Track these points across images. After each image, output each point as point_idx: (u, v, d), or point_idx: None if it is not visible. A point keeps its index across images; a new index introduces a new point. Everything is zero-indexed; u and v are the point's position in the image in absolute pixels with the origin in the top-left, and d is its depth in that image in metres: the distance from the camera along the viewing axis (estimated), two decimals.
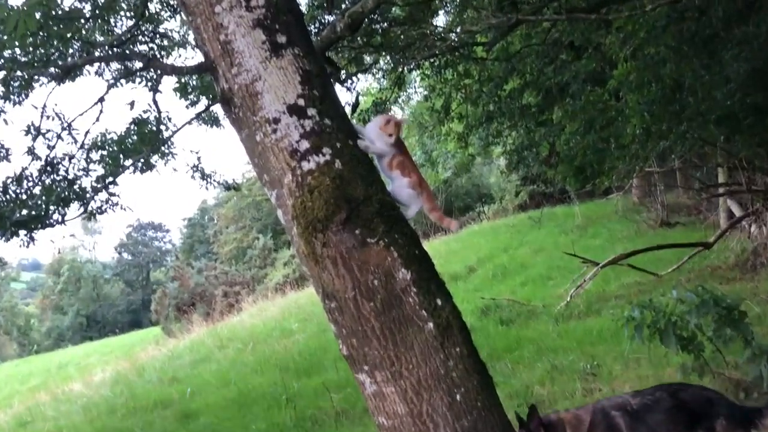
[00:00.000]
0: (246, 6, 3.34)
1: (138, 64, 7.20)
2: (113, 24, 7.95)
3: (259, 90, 3.30)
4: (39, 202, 6.84)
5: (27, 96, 6.94)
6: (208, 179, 8.76)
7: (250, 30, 3.33)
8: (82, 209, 7.18)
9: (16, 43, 5.04)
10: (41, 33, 5.51)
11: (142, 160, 7.58)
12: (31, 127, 6.93)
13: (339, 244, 3.15)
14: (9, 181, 6.92)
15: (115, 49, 6.72)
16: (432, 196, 3.67)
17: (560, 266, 13.89)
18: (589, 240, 16.73)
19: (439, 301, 3.29)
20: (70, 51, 6.78)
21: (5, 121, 6.90)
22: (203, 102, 8.79)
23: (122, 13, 7.88)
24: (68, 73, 6.48)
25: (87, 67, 7.84)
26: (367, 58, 10.85)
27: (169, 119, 8.12)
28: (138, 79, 7.88)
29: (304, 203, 3.19)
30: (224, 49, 3.36)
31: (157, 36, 8.59)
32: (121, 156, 7.35)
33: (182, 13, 5.97)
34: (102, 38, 7.81)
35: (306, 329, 12.95)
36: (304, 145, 3.25)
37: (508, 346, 9.00)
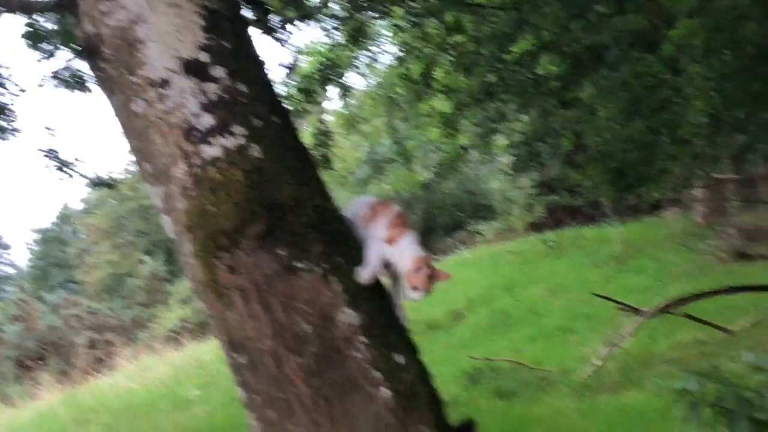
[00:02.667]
0: None
1: None
2: None
3: (140, 37, 3.28)
4: None
5: None
6: (67, 169, 8.68)
7: None
8: None
9: None
10: None
11: None
12: None
13: (253, 270, 3.14)
14: None
15: None
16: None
17: (587, 314, 13.99)
18: (631, 277, 16.89)
19: (399, 358, 3.29)
20: None
21: None
22: (64, 54, 8.71)
23: None
24: None
25: None
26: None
27: (9, 79, 8.06)
28: None
29: (203, 208, 3.17)
30: None
31: None
32: None
33: None
34: None
35: (210, 398, 12.79)
36: (207, 121, 3.24)
37: (509, 430, 9.03)
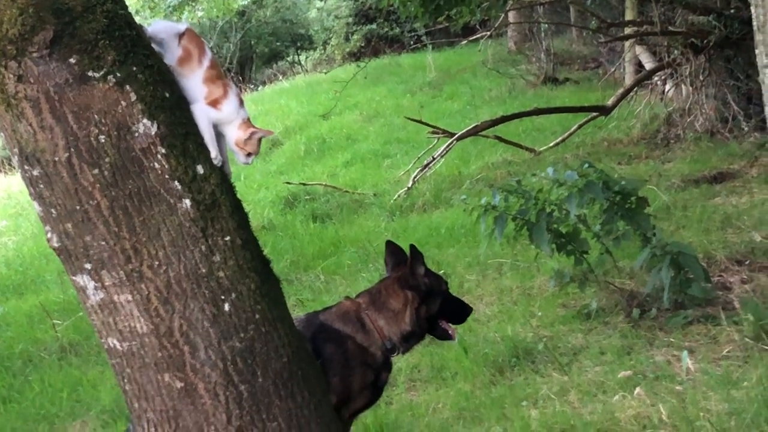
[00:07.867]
0: None
1: None
2: None
3: None
4: None
5: None
6: None
7: None
8: None
9: None
10: None
11: None
12: None
13: (44, 79, 3.01)
14: None
15: None
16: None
17: (401, 139, 14.21)
18: (445, 103, 17.17)
19: (200, 168, 3.28)
20: None
21: None
22: None
23: None
24: None
25: None
26: None
27: None
28: None
29: None
30: None
31: None
32: None
33: None
34: None
35: (19, 229, 12.61)
36: None
37: (322, 251, 9.23)
